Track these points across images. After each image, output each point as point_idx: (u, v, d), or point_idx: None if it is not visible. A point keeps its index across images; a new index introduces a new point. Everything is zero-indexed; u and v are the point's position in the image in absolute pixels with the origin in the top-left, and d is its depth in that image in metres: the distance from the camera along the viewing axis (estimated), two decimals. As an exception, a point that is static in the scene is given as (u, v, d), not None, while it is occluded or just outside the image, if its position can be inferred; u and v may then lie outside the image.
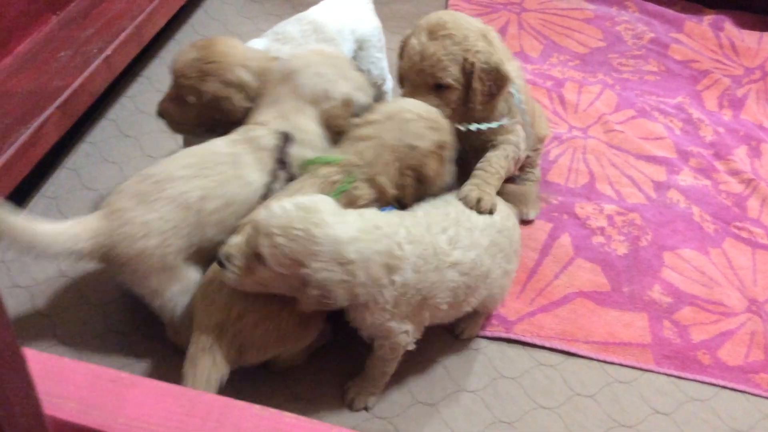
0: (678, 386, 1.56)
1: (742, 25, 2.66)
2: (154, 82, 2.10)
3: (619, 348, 1.60)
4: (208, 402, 0.83)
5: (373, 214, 1.28)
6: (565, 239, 1.81)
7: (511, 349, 1.58)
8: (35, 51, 1.83)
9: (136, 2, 2.01)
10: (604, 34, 2.55)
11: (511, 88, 1.58)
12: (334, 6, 1.86)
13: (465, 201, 1.44)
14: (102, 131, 1.95)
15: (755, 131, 2.21)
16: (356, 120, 1.46)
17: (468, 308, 1.43)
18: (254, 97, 1.52)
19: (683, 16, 2.66)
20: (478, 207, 1.43)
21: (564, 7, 2.66)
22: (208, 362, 1.25)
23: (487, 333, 1.59)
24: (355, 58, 1.84)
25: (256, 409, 0.83)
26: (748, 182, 2.03)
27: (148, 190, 1.35)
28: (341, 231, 1.19)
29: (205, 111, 1.52)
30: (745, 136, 2.19)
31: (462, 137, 1.54)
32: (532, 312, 1.64)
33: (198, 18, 2.37)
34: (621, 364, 1.58)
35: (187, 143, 1.65)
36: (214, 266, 1.30)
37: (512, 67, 1.58)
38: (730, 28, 2.63)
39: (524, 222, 1.82)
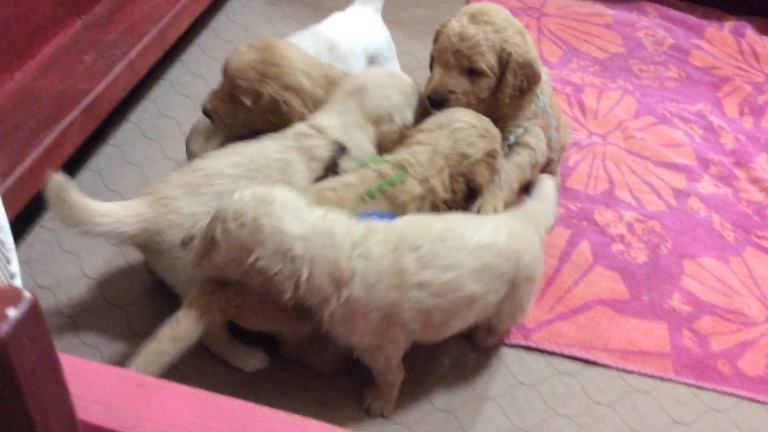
0: (697, 396, 1.55)
1: (764, 31, 2.64)
2: (176, 86, 2.12)
3: (639, 357, 1.60)
4: (234, 407, 0.84)
5: (336, 222, 1.27)
6: (584, 246, 1.80)
7: (530, 356, 1.58)
8: (60, 54, 1.85)
9: (160, 6, 2.03)
10: (624, 39, 2.54)
11: (537, 91, 1.60)
12: (345, 22, 1.87)
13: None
14: (124, 134, 1.97)
15: (777, 139, 2.20)
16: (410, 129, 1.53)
17: (458, 330, 1.39)
18: (311, 103, 1.54)
19: (704, 22, 2.64)
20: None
21: (584, 12, 2.66)
22: (204, 302, 1.28)
23: (506, 340, 1.59)
24: None
25: (281, 415, 0.84)
26: (769, 191, 2.02)
27: (198, 183, 1.38)
28: (290, 225, 1.21)
29: (258, 113, 1.53)
30: (766, 143, 2.18)
31: None
32: (550, 319, 1.64)
33: (219, 22, 2.39)
34: (640, 373, 1.57)
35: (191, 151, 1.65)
36: None
37: (543, 70, 1.60)
38: (751, 34, 2.61)
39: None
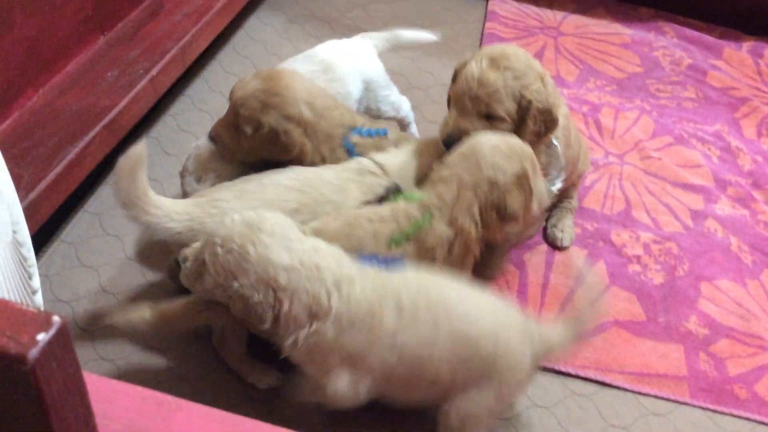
0: (713, 420, 1.54)
1: (783, 52, 2.64)
2: (196, 102, 2.15)
3: (655, 379, 1.59)
4: (253, 428, 0.84)
5: (326, 257, 1.23)
6: (600, 267, 1.80)
7: (544, 377, 1.57)
8: (83, 71, 1.88)
9: (181, 24, 2.06)
10: (641, 59, 2.54)
11: (553, 138, 1.58)
12: (340, 46, 1.87)
13: None
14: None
15: (795, 161, 2.19)
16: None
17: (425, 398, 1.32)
18: (312, 134, 1.54)
19: (722, 42, 2.64)
20: None
21: (601, 31, 2.66)
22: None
23: (521, 360, 1.59)
24: (362, 98, 1.86)
25: (299, 436, 0.85)
26: (787, 213, 2.01)
27: (251, 189, 1.41)
28: (276, 254, 1.18)
29: (259, 142, 1.54)
30: (784, 165, 2.17)
31: None
32: (566, 340, 1.63)
33: (239, 39, 2.42)
34: (656, 396, 1.57)
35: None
36: None
37: (560, 114, 1.58)
38: (769, 55, 2.61)
39: (558, 248, 1.82)
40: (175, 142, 2.02)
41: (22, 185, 1.53)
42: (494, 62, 1.50)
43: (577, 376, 1.58)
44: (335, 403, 1.28)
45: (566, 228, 1.83)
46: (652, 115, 2.30)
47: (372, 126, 1.63)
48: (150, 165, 1.92)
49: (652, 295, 1.75)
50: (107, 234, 1.75)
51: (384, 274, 1.27)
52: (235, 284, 1.19)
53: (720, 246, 1.90)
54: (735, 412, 1.56)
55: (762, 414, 1.56)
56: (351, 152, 1.58)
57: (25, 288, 1.16)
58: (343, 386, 1.25)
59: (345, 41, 1.90)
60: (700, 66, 2.52)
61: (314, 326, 1.20)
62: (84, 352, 1.52)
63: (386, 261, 1.32)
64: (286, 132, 1.52)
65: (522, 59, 1.53)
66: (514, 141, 1.43)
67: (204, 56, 2.25)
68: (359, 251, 1.33)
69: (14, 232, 1.14)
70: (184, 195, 1.60)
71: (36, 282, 1.22)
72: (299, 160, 1.54)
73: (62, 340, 0.55)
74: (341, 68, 1.79)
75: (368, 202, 1.45)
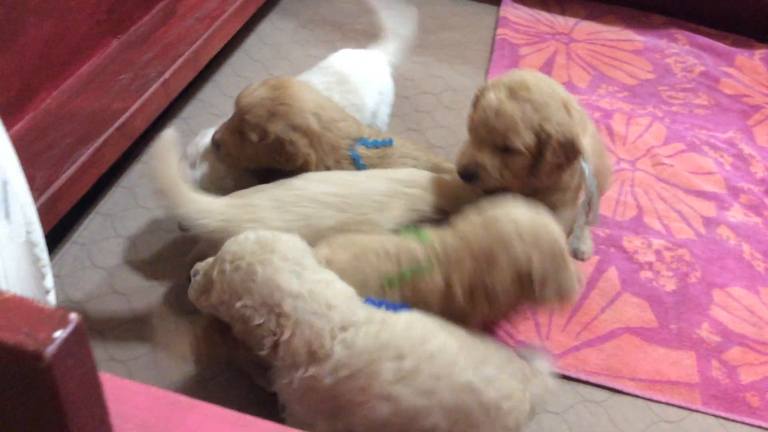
0: (726, 428, 1.53)
1: (796, 59, 2.63)
2: (208, 105, 2.15)
3: (666, 386, 1.58)
4: (265, 428, 0.84)
5: (337, 294, 1.18)
6: (612, 273, 1.79)
7: (556, 383, 1.56)
8: (96, 73, 1.89)
9: (194, 28, 2.07)
10: (653, 66, 2.54)
11: (583, 162, 1.49)
12: (355, 56, 1.86)
13: None
14: (156, 152, 1.99)
15: (808, 168, 2.18)
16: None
17: None
18: (318, 145, 1.53)
19: (734, 49, 2.63)
20: None
21: (613, 38, 2.66)
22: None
23: (532, 366, 1.58)
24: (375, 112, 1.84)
25: (311, 438, 0.84)
26: (800, 221, 1.99)
27: (288, 200, 1.40)
28: (285, 280, 1.15)
29: (264, 150, 1.53)
30: (797, 173, 2.16)
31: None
32: (577, 346, 1.63)
33: (251, 43, 2.43)
34: (668, 403, 1.56)
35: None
36: None
37: (587, 140, 1.49)
38: (782, 62, 2.60)
39: (581, 260, 1.80)
40: (186, 145, 2.02)
41: (35, 186, 1.54)
42: (513, 92, 1.42)
43: (588, 383, 1.57)
44: None
45: (587, 240, 1.82)
46: (664, 122, 2.29)
47: (378, 137, 1.62)
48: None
49: (664, 301, 1.74)
50: (119, 236, 1.76)
51: (389, 319, 1.21)
52: (238, 304, 1.16)
53: (732, 253, 1.88)
54: (747, 420, 1.54)
55: (775, 422, 1.55)
56: (357, 162, 1.58)
57: (38, 288, 1.17)
58: None
59: (360, 51, 1.90)
60: (713, 73, 2.51)
61: (311, 370, 1.15)
62: (95, 353, 1.50)
63: (394, 307, 1.26)
64: (291, 142, 1.50)
65: (543, 89, 1.44)
66: (543, 229, 1.31)
67: (216, 60, 2.26)
68: (364, 286, 1.28)
69: (28, 232, 1.15)
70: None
71: (49, 282, 1.22)
72: (303, 171, 1.53)
73: (79, 337, 0.55)
74: (356, 79, 1.78)
75: (407, 227, 1.42)
